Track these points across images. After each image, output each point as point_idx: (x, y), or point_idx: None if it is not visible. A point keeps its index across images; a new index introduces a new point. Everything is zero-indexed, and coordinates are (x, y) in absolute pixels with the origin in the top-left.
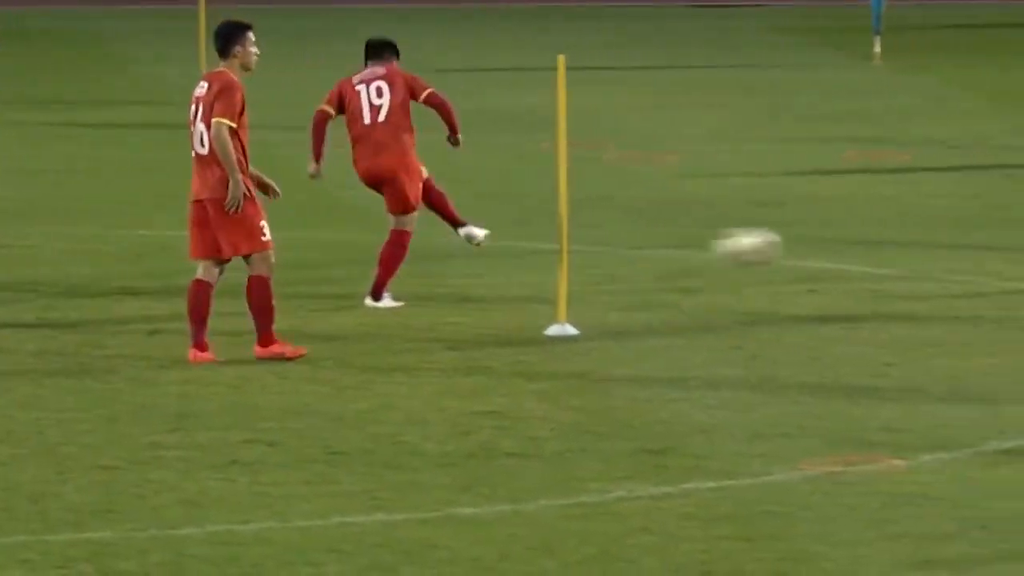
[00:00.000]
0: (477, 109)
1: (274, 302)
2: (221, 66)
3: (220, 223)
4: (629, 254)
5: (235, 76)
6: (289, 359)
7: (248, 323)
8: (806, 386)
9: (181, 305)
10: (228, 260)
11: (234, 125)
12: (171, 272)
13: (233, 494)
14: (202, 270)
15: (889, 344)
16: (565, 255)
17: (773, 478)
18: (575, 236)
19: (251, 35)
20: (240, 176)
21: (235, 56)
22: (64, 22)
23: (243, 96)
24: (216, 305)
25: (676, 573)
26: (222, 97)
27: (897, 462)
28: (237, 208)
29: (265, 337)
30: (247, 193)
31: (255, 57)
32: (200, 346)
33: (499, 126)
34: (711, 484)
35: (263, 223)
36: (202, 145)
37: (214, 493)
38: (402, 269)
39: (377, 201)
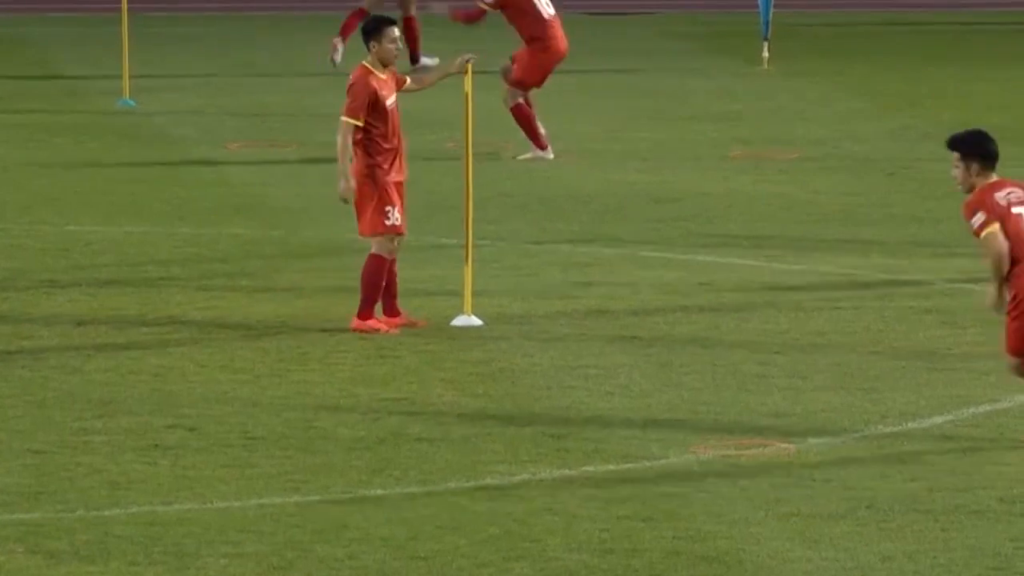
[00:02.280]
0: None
1: (382, 282)
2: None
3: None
4: (530, 248)
5: (371, 69)
6: (384, 332)
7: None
8: (699, 374)
9: (106, 298)
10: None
11: (358, 123)
12: (96, 266)
13: (155, 477)
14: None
15: (777, 334)
16: (470, 249)
17: (669, 461)
18: (479, 231)
19: (392, 31)
20: (347, 175)
21: (373, 51)
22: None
23: (373, 89)
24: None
25: (578, 551)
26: (349, 93)
27: (786, 446)
28: (346, 202)
29: (364, 312)
30: (375, 180)
31: (394, 53)
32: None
33: (407, 127)
34: (610, 467)
35: (388, 208)
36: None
37: (138, 476)
38: (310, 265)
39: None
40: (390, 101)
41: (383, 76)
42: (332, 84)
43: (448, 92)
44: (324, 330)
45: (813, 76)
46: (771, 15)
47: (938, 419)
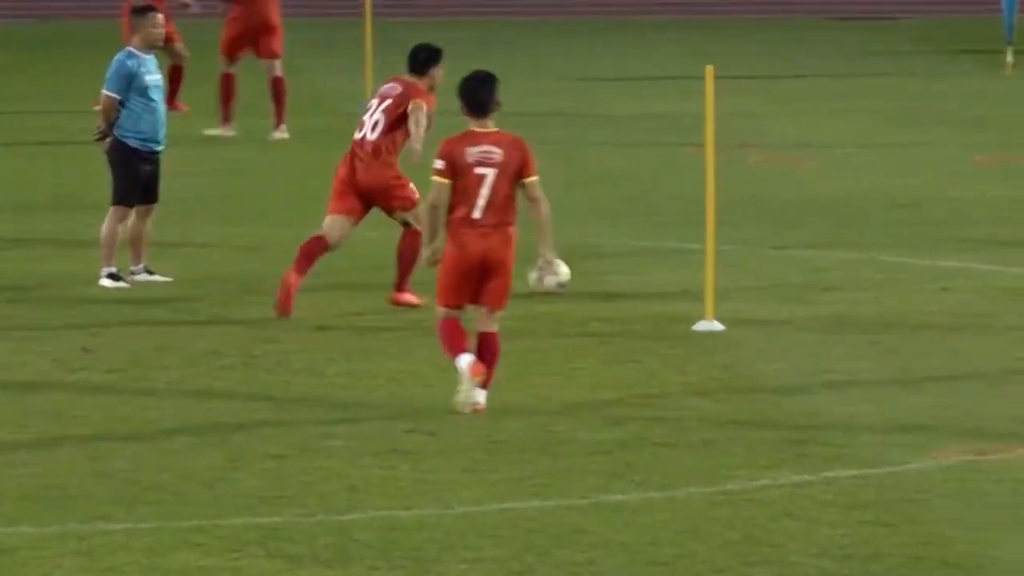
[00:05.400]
0: (627, 115)
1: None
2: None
3: None
4: (771, 253)
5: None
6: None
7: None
8: (940, 379)
9: (346, 302)
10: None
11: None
12: (336, 271)
13: (395, 481)
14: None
15: (1020, 339)
16: (712, 253)
17: (910, 466)
18: (721, 236)
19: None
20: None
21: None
22: None
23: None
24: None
25: (818, 556)
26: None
27: None
28: None
29: (405, 285)
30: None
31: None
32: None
33: (647, 131)
34: (851, 472)
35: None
36: (373, 132)
37: (377, 480)
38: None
39: None
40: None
41: None
42: (573, 87)
43: (687, 97)
44: (564, 335)
45: None
46: (1015, 20)
47: None
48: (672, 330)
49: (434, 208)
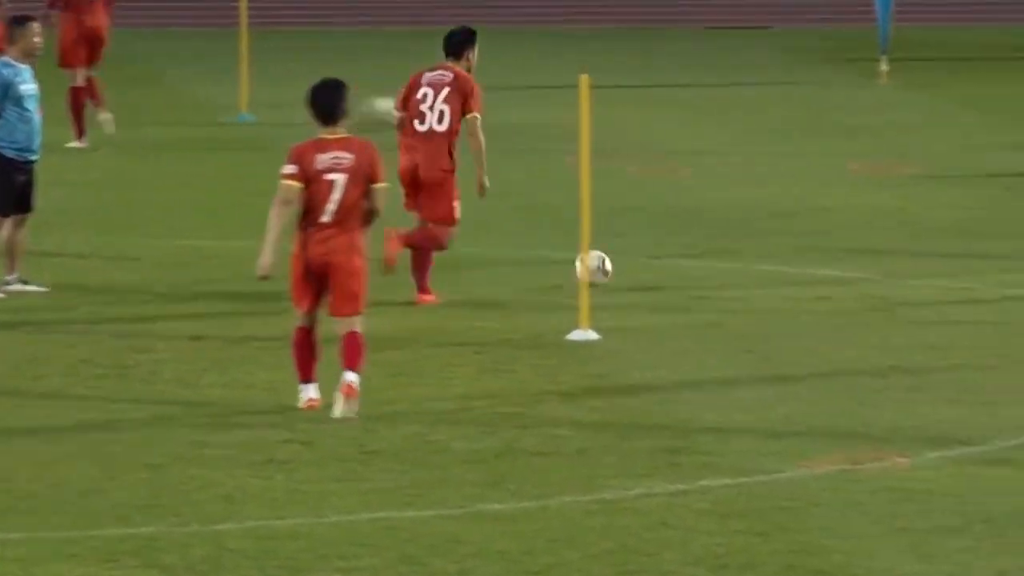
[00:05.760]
0: (503, 125)
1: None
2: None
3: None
4: (647, 262)
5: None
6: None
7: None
8: (815, 388)
9: (222, 312)
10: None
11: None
12: (212, 280)
13: (270, 491)
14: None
15: (893, 348)
16: (586, 263)
17: (784, 475)
18: (597, 245)
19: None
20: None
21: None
22: None
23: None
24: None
25: (693, 566)
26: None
27: (902, 460)
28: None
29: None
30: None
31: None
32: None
33: (524, 141)
34: (726, 481)
35: (457, 203)
36: (440, 123)
37: (252, 490)
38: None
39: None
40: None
41: None
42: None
43: (565, 107)
44: (441, 344)
45: (931, 89)
46: (890, 29)
47: None
48: (547, 339)
49: (282, 207)
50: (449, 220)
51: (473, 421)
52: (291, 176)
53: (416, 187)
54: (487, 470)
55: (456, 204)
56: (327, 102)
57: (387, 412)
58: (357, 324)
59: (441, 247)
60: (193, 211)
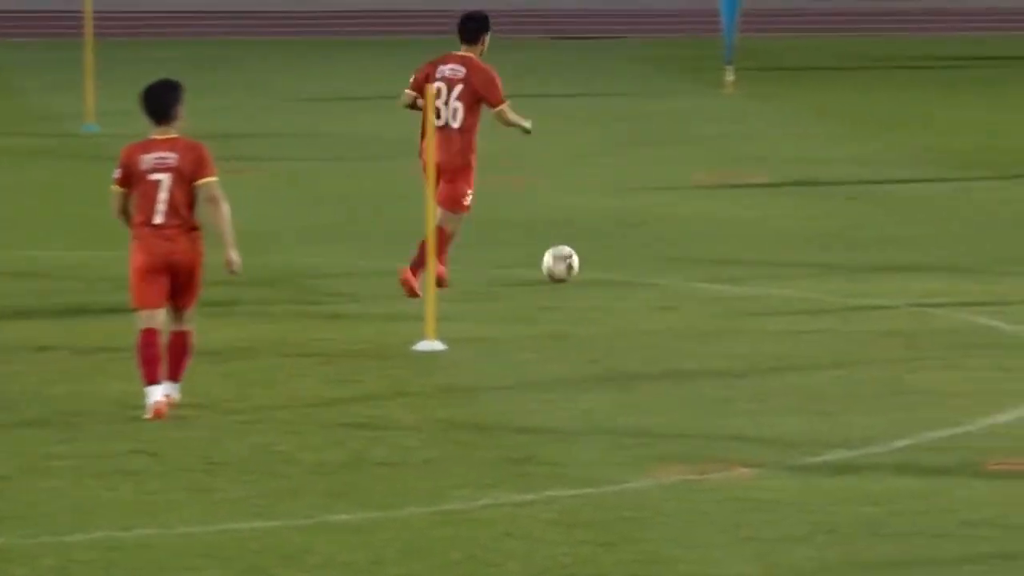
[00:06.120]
0: (346, 135)
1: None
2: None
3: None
4: (494, 273)
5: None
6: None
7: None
8: (661, 398)
9: (69, 323)
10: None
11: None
12: (60, 291)
13: (118, 502)
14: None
15: (739, 358)
16: (432, 273)
17: (630, 485)
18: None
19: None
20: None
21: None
22: None
23: None
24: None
25: None
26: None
27: (747, 470)
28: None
29: (415, 268)
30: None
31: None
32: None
33: (370, 151)
34: (571, 491)
35: (470, 192)
36: (454, 120)
37: (100, 501)
38: (270, 290)
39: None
40: None
41: None
42: (292, 107)
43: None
44: (286, 355)
45: (776, 99)
46: (735, 39)
47: (899, 443)
48: (393, 350)
49: (119, 215)
50: (459, 207)
51: (320, 432)
52: (116, 181)
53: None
54: (334, 481)
55: (469, 192)
56: (158, 102)
57: (234, 423)
58: (190, 321)
59: (448, 239)
60: (38, 221)
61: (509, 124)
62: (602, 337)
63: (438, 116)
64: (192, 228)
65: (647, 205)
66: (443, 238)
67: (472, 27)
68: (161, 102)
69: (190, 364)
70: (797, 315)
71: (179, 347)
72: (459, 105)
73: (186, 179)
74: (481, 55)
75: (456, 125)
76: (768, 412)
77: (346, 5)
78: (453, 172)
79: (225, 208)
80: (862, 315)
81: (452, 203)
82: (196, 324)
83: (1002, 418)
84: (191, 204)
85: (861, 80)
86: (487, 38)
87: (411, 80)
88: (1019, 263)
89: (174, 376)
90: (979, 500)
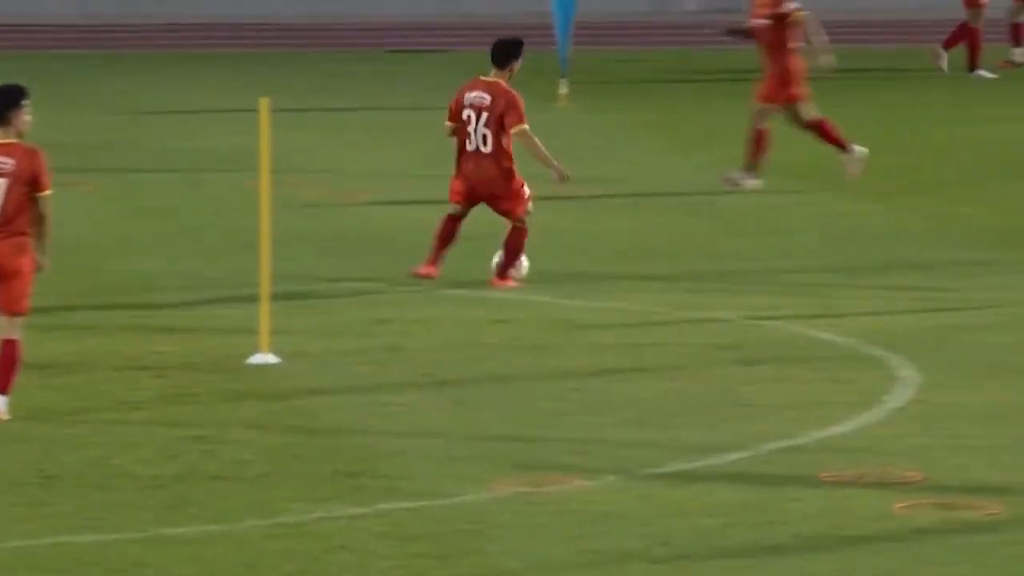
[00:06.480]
0: (182, 149)
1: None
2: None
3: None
4: (327, 286)
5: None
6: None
7: None
8: (496, 411)
9: None
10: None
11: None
12: None
13: None
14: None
15: (574, 371)
16: (266, 287)
17: (466, 498)
18: (276, 269)
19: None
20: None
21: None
22: None
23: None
24: None
25: None
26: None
27: (584, 482)
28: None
29: (501, 274)
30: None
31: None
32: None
33: (203, 165)
34: (406, 504)
35: (526, 192)
36: (485, 145)
37: None
38: (105, 302)
39: None
40: None
41: None
42: (125, 120)
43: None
44: (120, 368)
45: (610, 112)
46: (568, 52)
47: (734, 456)
48: (227, 364)
49: None
50: (519, 213)
51: (154, 445)
52: None
53: (472, 199)
54: (168, 494)
55: (523, 193)
56: None
57: (67, 436)
58: (18, 329)
59: (521, 247)
60: None
61: (535, 152)
62: (436, 349)
63: (469, 141)
64: (22, 233)
65: (479, 218)
66: (521, 238)
67: (503, 53)
68: None
69: (18, 376)
70: (631, 328)
71: (7, 360)
72: (488, 132)
73: (23, 184)
74: (510, 79)
75: (487, 150)
76: (604, 424)
77: (178, 18)
78: (497, 190)
79: (48, 225)
80: (696, 328)
81: (515, 214)
82: (23, 335)
83: (836, 429)
84: (22, 209)
85: (696, 93)
86: (517, 65)
87: (448, 110)
88: (852, 276)
89: (2, 389)
90: (813, 512)
